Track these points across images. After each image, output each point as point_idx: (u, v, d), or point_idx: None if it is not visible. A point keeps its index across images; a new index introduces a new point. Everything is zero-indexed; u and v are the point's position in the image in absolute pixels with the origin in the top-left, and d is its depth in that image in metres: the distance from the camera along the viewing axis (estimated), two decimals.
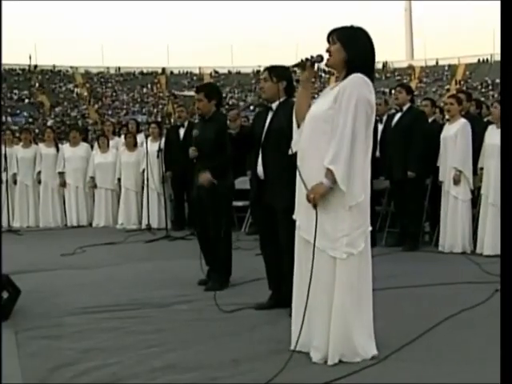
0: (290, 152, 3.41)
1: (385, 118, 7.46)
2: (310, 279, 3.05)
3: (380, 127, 7.19)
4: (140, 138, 9.26)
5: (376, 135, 6.64)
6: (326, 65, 3.23)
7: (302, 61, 3.28)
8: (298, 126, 3.32)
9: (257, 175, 4.18)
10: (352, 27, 3.23)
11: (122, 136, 9.80)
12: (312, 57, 3.26)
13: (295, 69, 3.44)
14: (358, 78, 3.08)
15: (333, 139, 3.04)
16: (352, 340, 3.09)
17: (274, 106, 4.16)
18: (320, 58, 3.25)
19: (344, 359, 3.07)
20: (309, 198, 3.08)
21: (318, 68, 3.34)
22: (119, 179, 9.24)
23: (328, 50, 3.20)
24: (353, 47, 3.15)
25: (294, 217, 3.29)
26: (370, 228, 3.22)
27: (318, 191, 3.06)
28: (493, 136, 6.14)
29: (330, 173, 3.04)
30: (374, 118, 3.22)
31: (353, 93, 3.04)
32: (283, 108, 4.04)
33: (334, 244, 3.07)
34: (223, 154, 4.80)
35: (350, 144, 3.02)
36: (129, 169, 9.10)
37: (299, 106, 3.34)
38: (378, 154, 6.85)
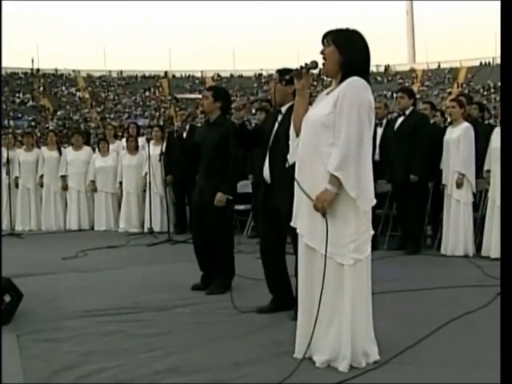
0: (286, 165, 3.38)
1: (384, 121, 7.46)
2: (322, 289, 3.00)
3: (379, 131, 7.18)
4: (141, 141, 9.28)
5: (375, 139, 6.64)
6: (322, 70, 3.19)
7: (296, 69, 3.26)
8: (297, 135, 3.27)
9: (263, 179, 4.14)
10: (347, 30, 3.19)
11: (123, 139, 9.82)
12: (306, 64, 3.23)
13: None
14: (356, 82, 3.04)
15: (337, 145, 2.99)
16: (362, 344, 3.08)
17: (284, 109, 4.12)
18: (315, 63, 3.22)
19: (353, 364, 3.05)
20: (317, 208, 3.02)
21: (320, 71, 3.30)
22: (121, 183, 9.26)
23: (322, 53, 3.15)
24: (348, 50, 3.11)
25: (293, 224, 3.24)
26: (373, 232, 3.21)
27: (326, 199, 3.00)
28: (499, 139, 6.11)
29: (335, 179, 2.99)
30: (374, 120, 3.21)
31: (354, 97, 3.00)
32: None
33: (341, 250, 3.02)
34: (227, 165, 4.78)
35: (357, 149, 2.97)
36: (130, 172, 9.11)
37: (297, 116, 3.29)
38: (377, 157, 6.85)
